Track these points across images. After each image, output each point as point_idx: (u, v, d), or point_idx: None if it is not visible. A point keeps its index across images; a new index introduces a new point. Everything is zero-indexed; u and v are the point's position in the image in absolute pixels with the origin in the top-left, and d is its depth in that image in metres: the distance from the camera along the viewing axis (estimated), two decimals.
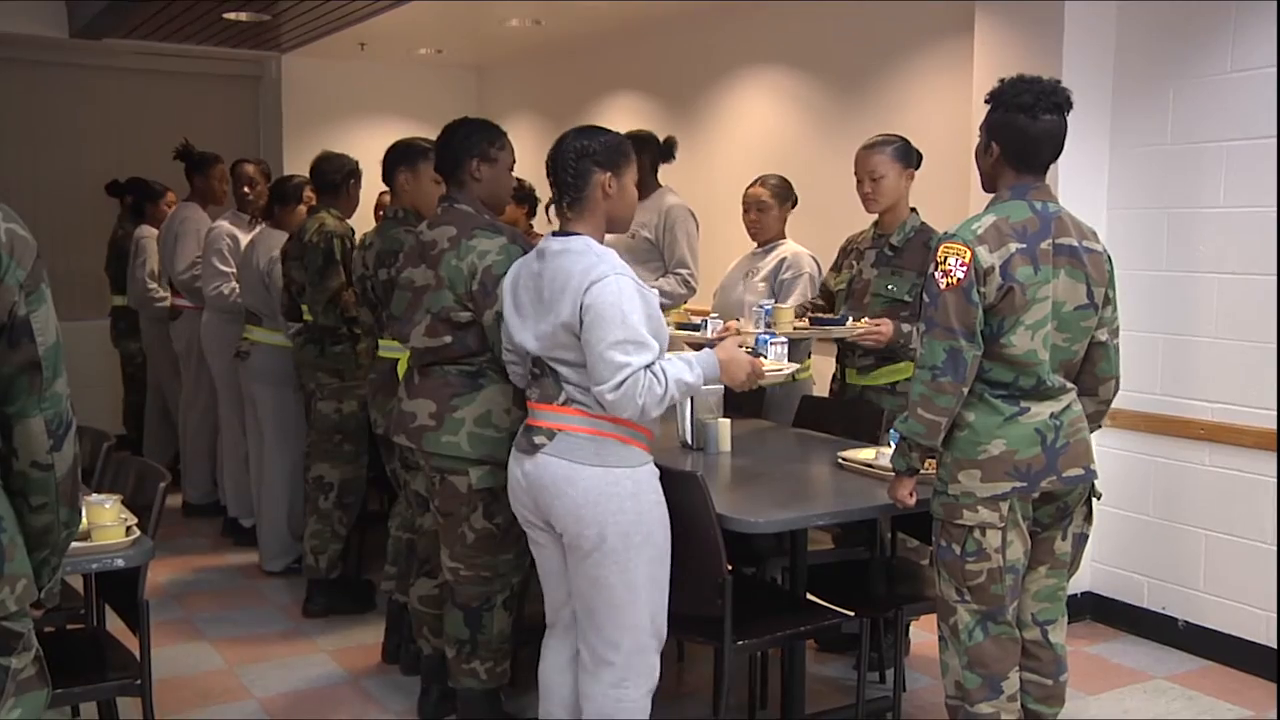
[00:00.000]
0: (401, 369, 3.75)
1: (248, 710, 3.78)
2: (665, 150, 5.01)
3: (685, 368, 2.72)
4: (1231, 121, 4.05)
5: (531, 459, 2.77)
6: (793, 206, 4.60)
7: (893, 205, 3.89)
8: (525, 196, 6.11)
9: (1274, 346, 3.94)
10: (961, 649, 2.82)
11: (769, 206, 4.51)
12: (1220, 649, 4.14)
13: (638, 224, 4.99)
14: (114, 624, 3.20)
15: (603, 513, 2.69)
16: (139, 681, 2.90)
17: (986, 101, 2.83)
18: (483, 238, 3.17)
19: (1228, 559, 4.13)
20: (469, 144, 3.27)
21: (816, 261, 4.48)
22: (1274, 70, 3.91)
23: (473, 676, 3.32)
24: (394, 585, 4.06)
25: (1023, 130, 2.74)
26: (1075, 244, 2.79)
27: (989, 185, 2.89)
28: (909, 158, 3.88)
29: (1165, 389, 4.29)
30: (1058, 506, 2.86)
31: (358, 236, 4.30)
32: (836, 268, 4.15)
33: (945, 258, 2.70)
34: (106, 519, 2.75)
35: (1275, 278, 3.93)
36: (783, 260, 4.46)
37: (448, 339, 3.19)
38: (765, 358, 3.19)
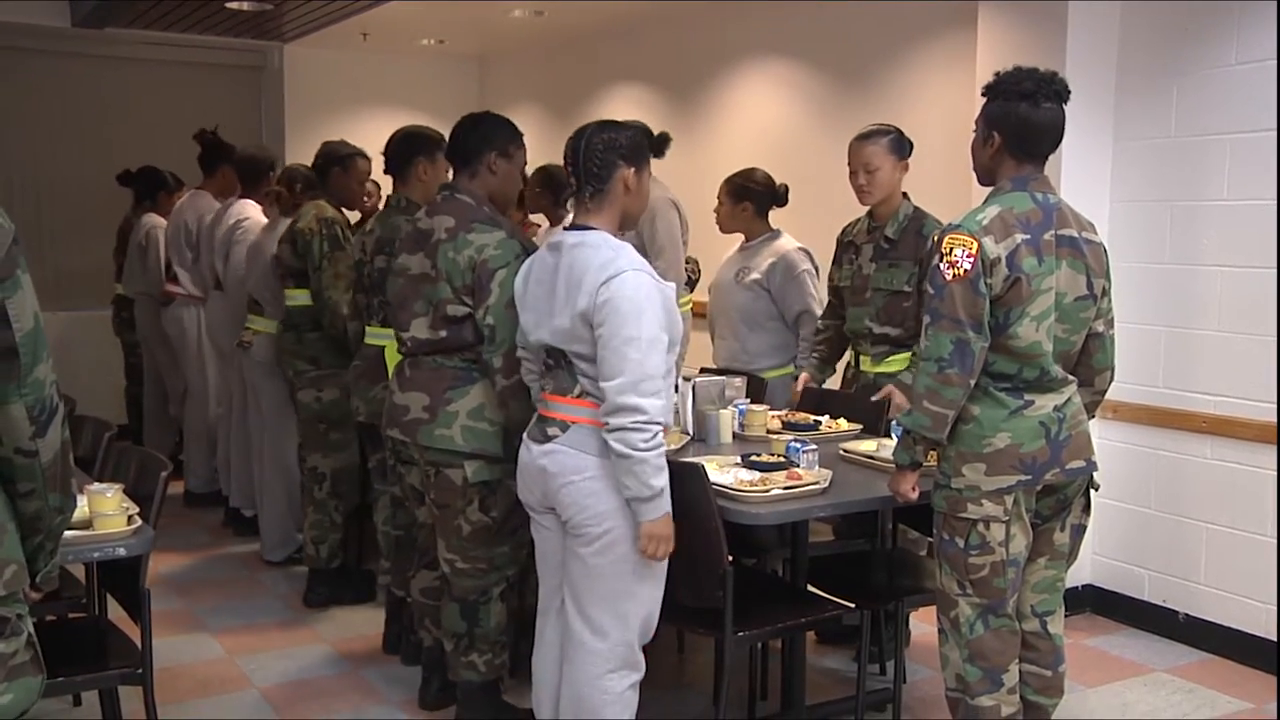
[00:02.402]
0: (390, 358, 3.71)
1: (248, 700, 3.78)
2: (657, 145, 4.93)
3: (665, 471, 2.68)
4: (1235, 114, 4.04)
5: (543, 448, 2.79)
6: (764, 204, 4.44)
7: (886, 200, 3.86)
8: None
9: (1275, 340, 3.94)
10: (962, 642, 2.82)
11: (721, 203, 4.47)
12: (1221, 642, 4.14)
13: None
14: (115, 613, 3.20)
15: (608, 506, 2.70)
16: (140, 670, 2.90)
17: (984, 94, 2.82)
18: (480, 231, 3.13)
19: (1229, 552, 4.12)
20: (492, 136, 3.25)
21: (810, 254, 4.41)
22: (1276, 63, 3.90)
23: (471, 669, 3.32)
24: (390, 578, 4.05)
25: (1025, 118, 2.73)
26: (1076, 235, 2.78)
27: (986, 179, 2.87)
28: (903, 149, 3.84)
29: (1167, 382, 4.29)
30: (1058, 498, 2.86)
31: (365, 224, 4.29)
32: (838, 262, 4.10)
33: (951, 249, 2.68)
34: (108, 508, 2.74)
35: (1276, 271, 3.92)
36: (774, 265, 4.37)
37: (443, 333, 3.19)
38: (798, 466, 3.17)
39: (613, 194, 2.77)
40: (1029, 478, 2.74)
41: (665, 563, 2.79)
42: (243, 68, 8.43)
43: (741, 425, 3.73)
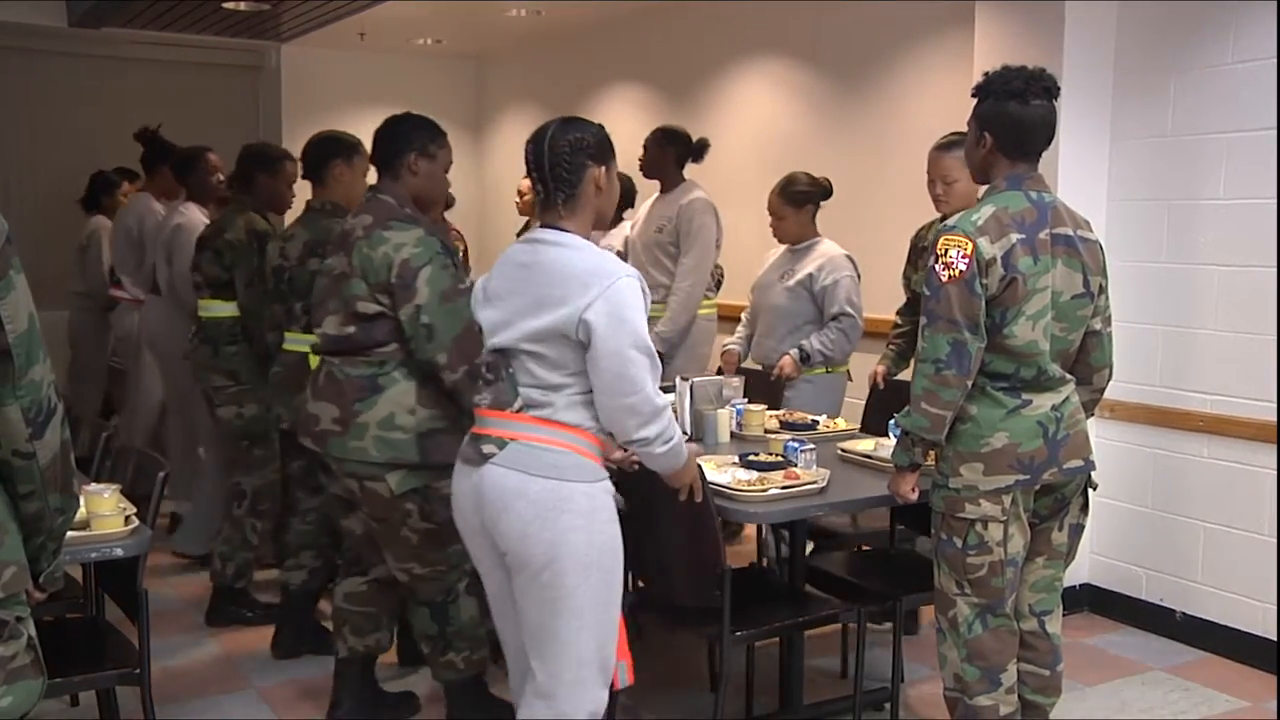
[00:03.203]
0: (314, 364, 3.63)
1: (247, 700, 3.78)
2: (697, 149, 5.11)
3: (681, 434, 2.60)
4: (1233, 113, 4.04)
5: (479, 470, 2.53)
6: (816, 204, 4.55)
7: (962, 209, 3.85)
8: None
9: (1273, 339, 3.94)
10: (960, 641, 2.82)
11: (781, 216, 4.52)
12: (1218, 641, 4.14)
13: (662, 218, 5.08)
14: (113, 613, 3.19)
15: (553, 530, 2.44)
16: (137, 671, 2.89)
17: (974, 95, 2.82)
18: (398, 229, 3.08)
19: (1226, 551, 4.12)
20: (411, 138, 3.20)
21: (853, 261, 4.51)
22: (1275, 61, 3.90)
23: (450, 668, 3.27)
24: (289, 575, 4.03)
25: (1016, 117, 2.74)
26: (1071, 234, 2.79)
27: (981, 178, 2.88)
28: None
29: (1164, 381, 4.29)
30: (1056, 498, 2.86)
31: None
32: (913, 264, 4.17)
33: (946, 250, 2.69)
34: (105, 508, 2.74)
35: (1275, 270, 3.92)
36: (820, 267, 4.46)
37: (352, 329, 3.11)
38: (796, 465, 3.16)
39: (585, 196, 2.57)
40: (1027, 477, 2.74)
41: (620, 588, 2.57)
42: (240, 67, 8.43)
43: (739, 425, 3.73)
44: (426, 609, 3.25)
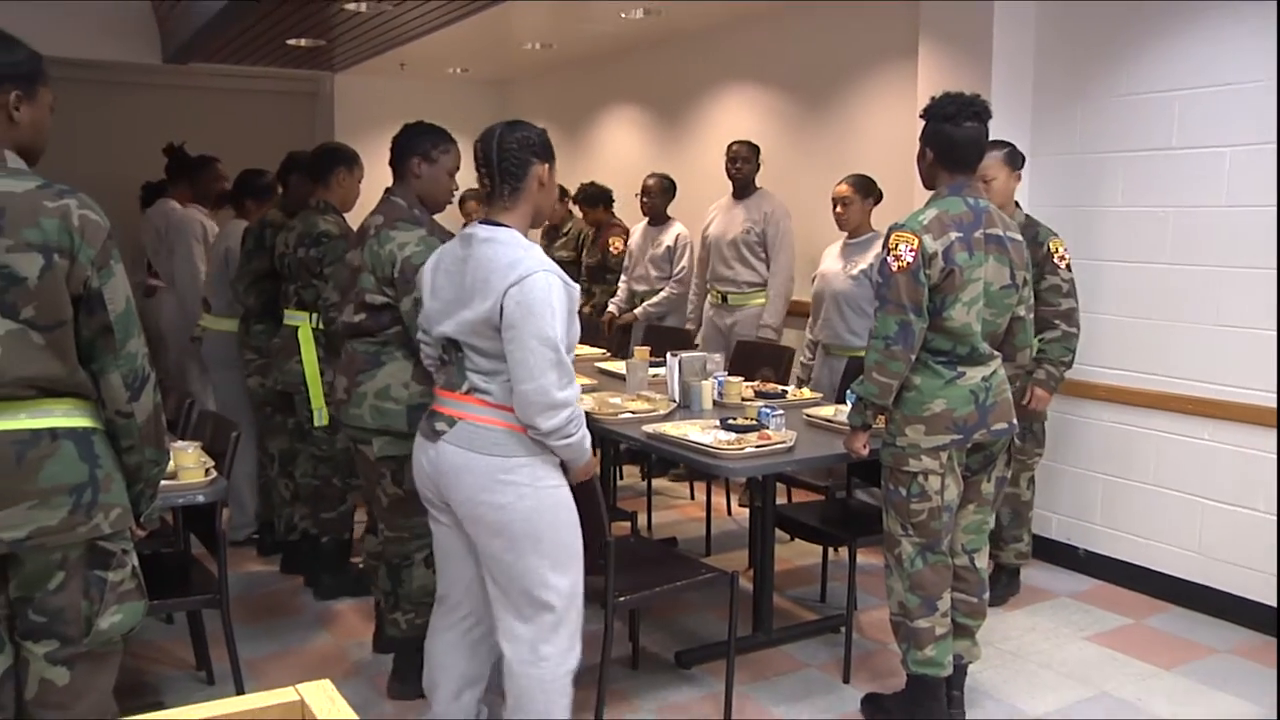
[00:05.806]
0: (304, 338, 3.75)
1: (309, 619, 3.77)
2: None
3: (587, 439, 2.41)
4: (1127, 135, 4.03)
5: (434, 446, 2.41)
6: (876, 202, 4.46)
7: (1003, 205, 3.62)
8: (600, 196, 6.20)
9: (1163, 322, 3.94)
10: (904, 575, 2.82)
11: (851, 201, 4.41)
12: (1111, 571, 4.16)
13: (749, 220, 5.13)
14: (197, 550, 3.19)
15: (500, 497, 2.31)
16: (218, 596, 2.90)
17: (921, 117, 2.80)
18: (402, 229, 2.94)
19: (1120, 498, 4.14)
20: (414, 143, 3.03)
21: None
22: (1153, 95, 3.88)
23: (395, 626, 3.11)
24: (308, 521, 4.01)
25: (949, 137, 2.72)
26: (1001, 234, 2.77)
27: (928, 185, 2.87)
28: (1016, 160, 3.64)
29: (1076, 358, 4.27)
30: (985, 455, 2.86)
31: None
32: None
33: (896, 244, 2.67)
34: (189, 462, 2.74)
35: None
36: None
37: (363, 317, 3.00)
38: (769, 428, 3.13)
39: (528, 191, 2.38)
40: (960, 437, 2.73)
41: (579, 537, 2.41)
42: (299, 94, 8.35)
43: (720, 394, 3.71)
44: (385, 567, 3.11)
